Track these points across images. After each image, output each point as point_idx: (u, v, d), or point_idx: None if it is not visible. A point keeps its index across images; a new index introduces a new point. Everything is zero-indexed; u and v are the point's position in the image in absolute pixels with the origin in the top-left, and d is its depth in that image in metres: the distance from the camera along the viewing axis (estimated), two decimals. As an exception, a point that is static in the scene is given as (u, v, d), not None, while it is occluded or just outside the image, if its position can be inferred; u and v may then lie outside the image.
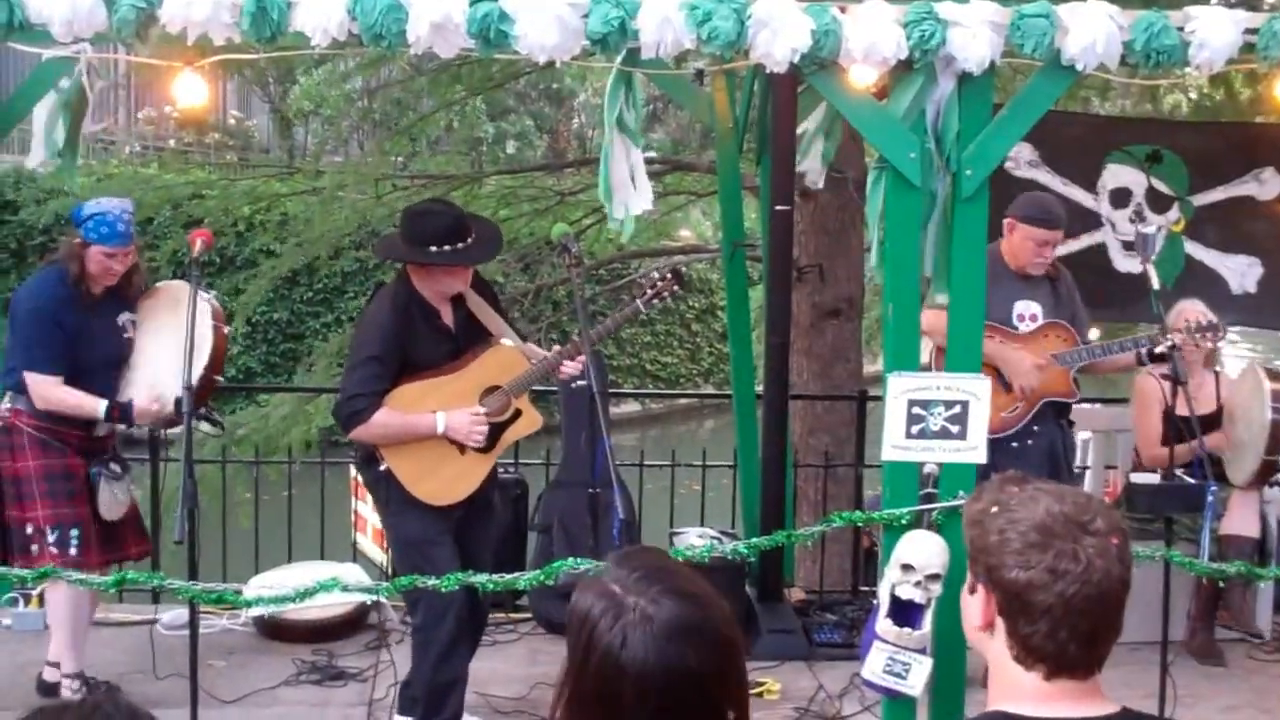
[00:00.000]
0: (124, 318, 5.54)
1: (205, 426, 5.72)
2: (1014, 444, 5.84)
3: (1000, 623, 2.09)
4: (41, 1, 4.10)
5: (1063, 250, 6.75)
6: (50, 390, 5.34)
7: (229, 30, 4.09)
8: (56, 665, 5.56)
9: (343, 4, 4.05)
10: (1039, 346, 5.95)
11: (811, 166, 6.00)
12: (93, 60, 4.62)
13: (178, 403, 5.08)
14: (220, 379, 5.49)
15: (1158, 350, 5.81)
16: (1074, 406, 6.18)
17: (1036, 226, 5.88)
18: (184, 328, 5.12)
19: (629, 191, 4.50)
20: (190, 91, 4.72)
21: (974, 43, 4.26)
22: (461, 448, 5.07)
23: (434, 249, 4.91)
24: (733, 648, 1.97)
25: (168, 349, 5.41)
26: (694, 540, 6.30)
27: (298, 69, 21.29)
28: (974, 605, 2.13)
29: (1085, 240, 7.34)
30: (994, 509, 2.11)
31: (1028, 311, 5.98)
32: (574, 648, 1.96)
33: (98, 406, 5.38)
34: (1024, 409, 5.88)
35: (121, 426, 5.60)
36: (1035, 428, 5.97)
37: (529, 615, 6.63)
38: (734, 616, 2.00)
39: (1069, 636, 2.03)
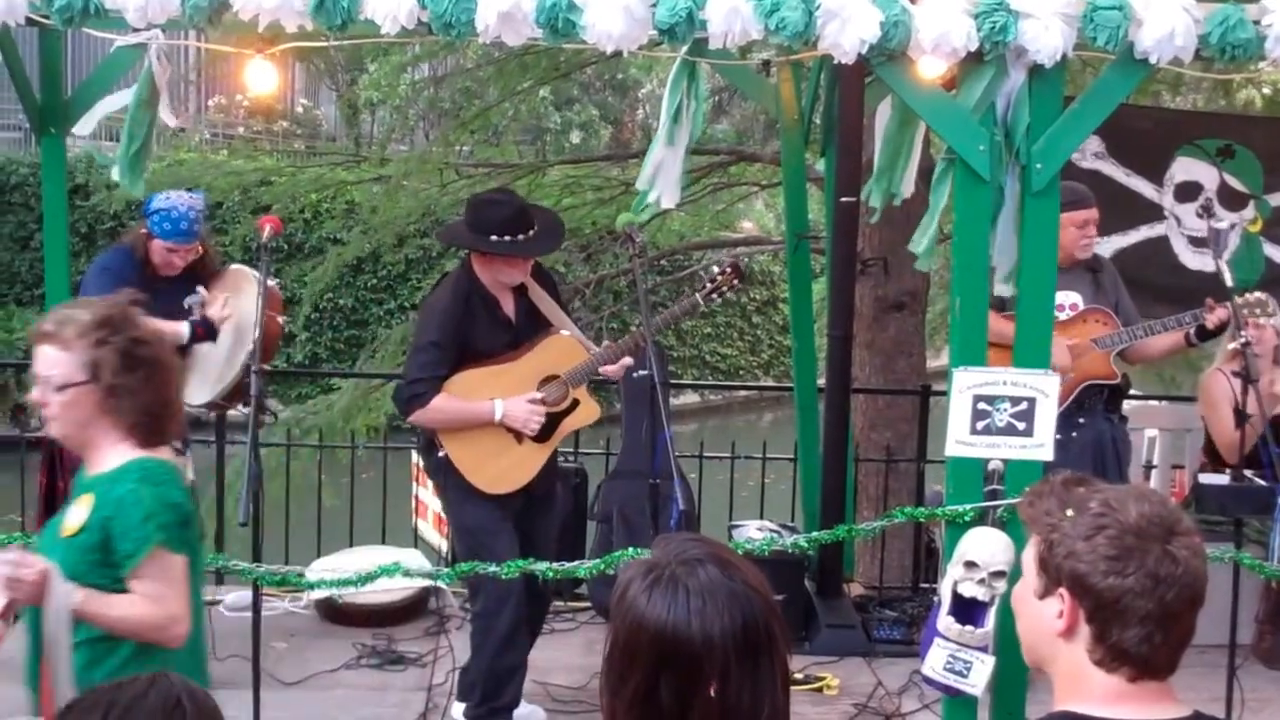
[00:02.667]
0: (190, 299, 5.59)
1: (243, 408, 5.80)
2: (1057, 435, 5.70)
3: (1084, 629, 2.03)
4: (116, -14, 4.15)
5: (1121, 242, 6.68)
6: None
7: (300, 17, 4.12)
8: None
9: (413, -8, 4.07)
10: (1077, 332, 5.88)
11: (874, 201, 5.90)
12: (163, 47, 4.67)
13: (245, 387, 5.13)
14: (266, 368, 5.54)
15: (1210, 327, 5.73)
16: (1141, 405, 6.09)
17: (1073, 210, 5.74)
18: (239, 315, 5.18)
19: (665, 185, 4.52)
20: (261, 78, 4.75)
21: (1046, 34, 4.21)
22: (519, 436, 5.09)
23: (496, 239, 4.94)
24: (769, 627, 1.95)
25: (224, 332, 5.50)
26: (753, 533, 6.28)
27: (366, 57, 21.41)
28: (1046, 612, 2.07)
29: (1145, 232, 7.23)
30: (1068, 511, 2.05)
31: (1067, 301, 5.90)
32: (611, 614, 1.99)
33: (180, 327, 5.43)
34: (1065, 389, 5.76)
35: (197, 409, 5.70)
36: (1080, 420, 5.87)
37: (588, 605, 6.64)
38: (771, 601, 1.99)
39: (1163, 639, 2.00)
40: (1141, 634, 1.99)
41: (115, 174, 5.00)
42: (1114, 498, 2.04)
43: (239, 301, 5.56)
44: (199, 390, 5.60)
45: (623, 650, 1.95)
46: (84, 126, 5.29)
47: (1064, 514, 2.05)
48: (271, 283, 5.65)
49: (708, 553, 1.97)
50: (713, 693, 1.89)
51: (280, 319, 5.63)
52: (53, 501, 5.54)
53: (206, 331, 5.48)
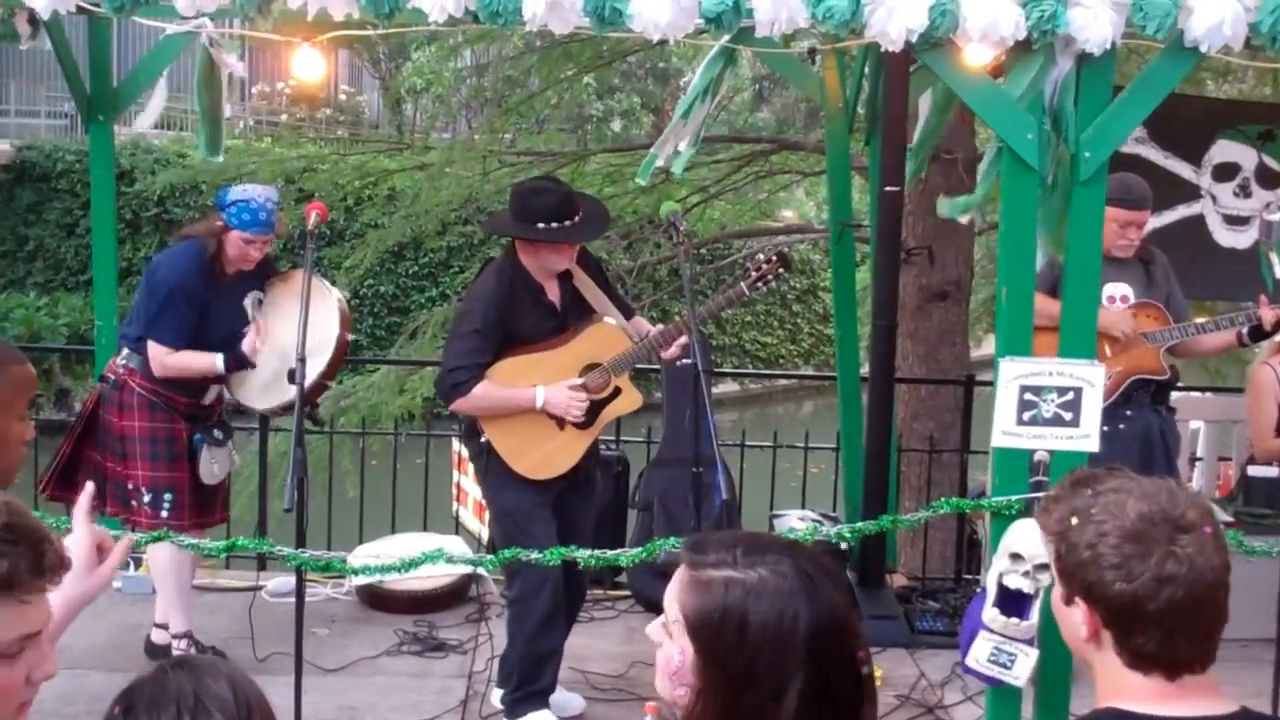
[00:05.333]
0: (250, 298, 5.61)
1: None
2: (1104, 428, 5.64)
3: (1106, 634, 2.02)
4: (165, -25, 4.17)
5: (1157, 223, 6.62)
6: (166, 359, 5.47)
7: (348, 5, 4.13)
8: (164, 626, 5.68)
9: (460, -19, 4.07)
10: None
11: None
12: (212, 35, 4.70)
13: (290, 373, 5.15)
14: (330, 385, 5.55)
15: (1266, 328, 5.69)
16: (1186, 396, 6.04)
17: (1116, 207, 5.63)
18: (315, 326, 5.23)
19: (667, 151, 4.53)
20: (308, 66, 4.79)
21: (1095, 23, 4.17)
22: (561, 423, 5.10)
23: (541, 226, 4.94)
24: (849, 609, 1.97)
25: (290, 332, 5.49)
26: (795, 523, 6.27)
27: (410, 46, 21.46)
28: (1073, 618, 2.05)
29: (1181, 211, 7.20)
30: (1074, 520, 2.02)
31: (1118, 293, 5.85)
32: (725, 647, 1.90)
33: (215, 360, 5.49)
34: (1113, 382, 5.72)
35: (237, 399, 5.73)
36: (1128, 412, 5.82)
37: (628, 594, 6.64)
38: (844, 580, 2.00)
39: (1184, 638, 1.98)
40: (1160, 636, 1.97)
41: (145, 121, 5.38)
42: (1114, 500, 2.00)
43: (314, 314, 5.53)
44: (258, 396, 5.62)
45: (706, 649, 1.92)
46: (145, 120, 5.39)
47: (1070, 522, 2.02)
48: (340, 296, 5.67)
49: (770, 545, 1.98)
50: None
51: (349, 337, 5.64)
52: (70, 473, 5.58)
53: (239, 364, 5.52)
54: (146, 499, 5.46)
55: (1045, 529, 2.09)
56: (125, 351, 5.59)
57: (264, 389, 5.59)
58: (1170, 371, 5.95)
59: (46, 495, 5.53)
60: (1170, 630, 1.96)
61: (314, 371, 5.25)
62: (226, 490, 5.93)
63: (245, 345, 5.51)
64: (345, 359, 5.80)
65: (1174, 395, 6.28)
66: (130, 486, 5.49)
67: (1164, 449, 5.92)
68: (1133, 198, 5.71)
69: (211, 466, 5.58)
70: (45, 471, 5.60)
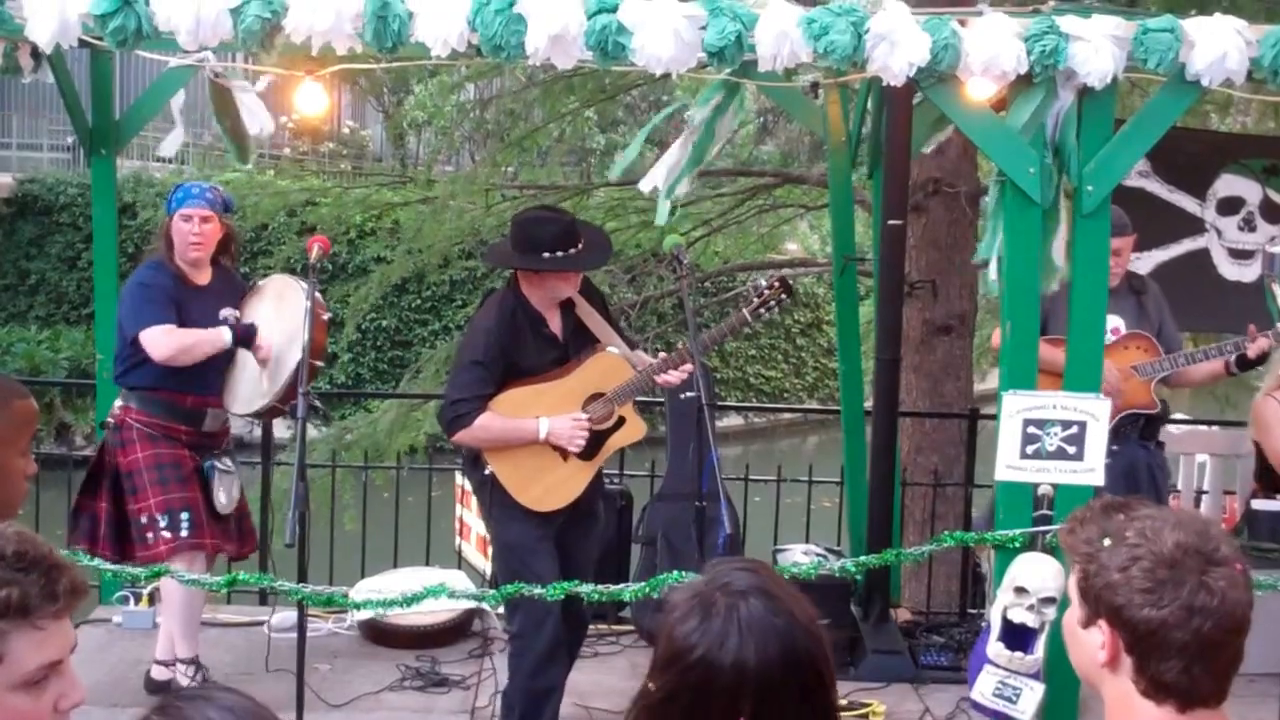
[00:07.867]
0: (226, 313, 5.59)
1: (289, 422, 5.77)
2: None
3: (1126, 660, 2.01)
4: (169, 10, 4.17)
5: (1162, 256, 6.64)
6: (167, 338, 5.38)
7: (351, 40, 4.15)
8: (164, 664, 5.64)
9: (463, 15, 4.09)
10: (1119, 357, 5.82)
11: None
12: (214, 69, 4.72)
13: (289, 401, 5.14)
14: (320, 364, 5.51)
15: (1250, 357, 5.69)
16: (1192, 430, 6.03)
17: None
18: (285, 319, 5.18)
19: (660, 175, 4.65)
20: (311, 100, 4.81)
21: (1096, 57, 4.20)
22: (564, 454, 5.07)
23: (544, 255, 4.92)
24: (814, 665, 1.95)
25: (268, 331, 5.50)
26: (799, 557, 6.24)
27: (413, 79, 21.55)
28: (1091, 641, 2.05)
29: (1187, 245, 7.21)
30: (1106, 540, 2.02)
31: (1109, 325, 5.85)
32: (656, 637, 1.97)
33: (221, 334, 5.44)
34: None
35: (239, 424, 5.69)
36: (1114, 446, 5.77)
37: (631, 628, 6.61)
38: (819, 638, 1.98)
39: (1203, 670, 1.97)
40: (1180, 665, 1.97)
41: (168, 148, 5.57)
42: (1150, 526, 2.01)
43: (282, 306, 5.54)
44: (249, 399, 5.60)
45: (660, 672, 1.94)
46: (167, 148, 5.48)
47: (1101, 543, 2.03)
48: (304, 286, 5.66)
49: (755, 585, 1.96)
50: None
51: (325, 315, 5.59)
52: (122, 527, 5.56)
53: (246, 333, 5.46)
54: (164, 523, 5.37)
55: (1071, 549, 2.09)
56: (121, 393, 5.59)
57: (250, 392, 5.56)
58: (1161, 406, 5.94)
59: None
60: (1190, 662, 1.96)
61: (296, 358, 5.18)
62: (249, 520, 5.88)
63: (258, 343, 5.47)
64: (328, 339, 5.74)
65: (1179, 429, 6.28)
66: (144, 520, 5.41)
67: (1151, 484, 5.91)
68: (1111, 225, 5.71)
69: (219, 495, 5.56)
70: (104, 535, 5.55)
